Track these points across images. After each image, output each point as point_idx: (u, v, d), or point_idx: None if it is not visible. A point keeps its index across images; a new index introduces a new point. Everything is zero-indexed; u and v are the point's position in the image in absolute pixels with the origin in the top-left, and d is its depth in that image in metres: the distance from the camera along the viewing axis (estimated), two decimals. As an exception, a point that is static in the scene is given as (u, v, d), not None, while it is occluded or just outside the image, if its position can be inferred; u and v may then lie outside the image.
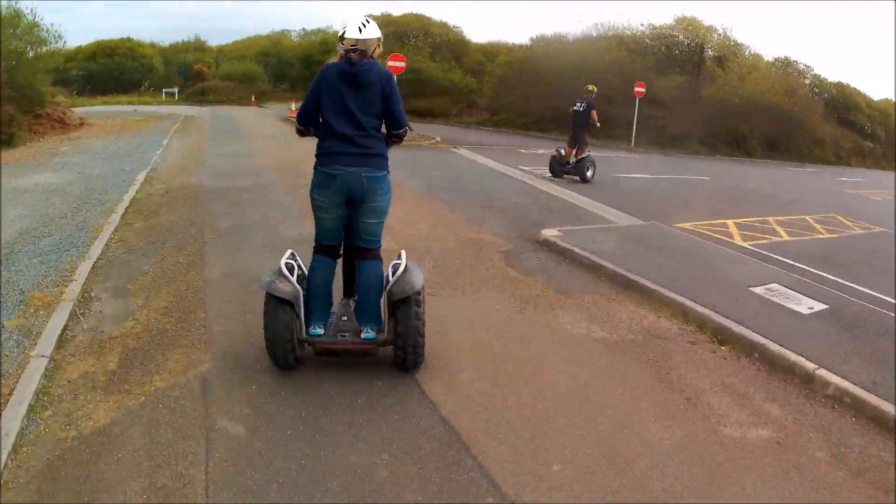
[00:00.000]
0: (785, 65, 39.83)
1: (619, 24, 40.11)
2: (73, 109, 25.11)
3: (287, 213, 9.50)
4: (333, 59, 4.18)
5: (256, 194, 11.03)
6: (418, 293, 4.02)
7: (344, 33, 4.09)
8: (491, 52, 44.32)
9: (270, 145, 19.49)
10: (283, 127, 26.79)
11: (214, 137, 21.89)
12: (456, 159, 18.76)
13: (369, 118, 4.06)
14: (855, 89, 45.48)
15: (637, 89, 29.51)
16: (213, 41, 78.32)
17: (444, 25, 48.37)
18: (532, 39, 39.13)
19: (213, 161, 15.15)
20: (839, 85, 45.21)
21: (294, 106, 32.39)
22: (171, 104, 50.41)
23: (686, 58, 35.60)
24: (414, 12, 48.40)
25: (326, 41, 55.03)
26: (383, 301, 4.17)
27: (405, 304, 4.01)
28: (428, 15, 48.81)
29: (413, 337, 4.06)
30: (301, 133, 4.29)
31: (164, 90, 58.90)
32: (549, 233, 8.79)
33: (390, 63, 22.27)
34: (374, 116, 4.08)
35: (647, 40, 36.78)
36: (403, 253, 4.32)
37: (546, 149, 23.77)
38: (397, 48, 45.27)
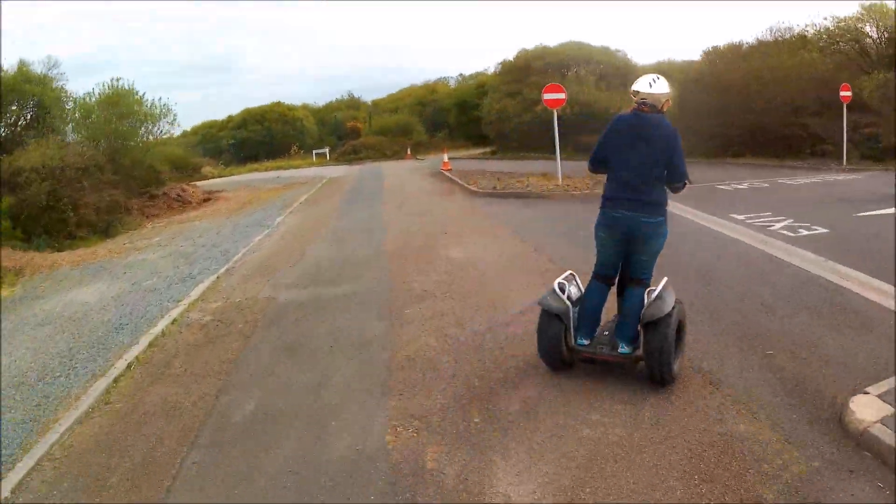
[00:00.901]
0: None
1: (795, 23, 33.25)
2: (197, 185, 23.14)
3: (368, 378, 5.29)
4: (625, 111, 4.64)
5: (347, 316, 7.04)
6: (669, 316, 4.34)
7: (636, 86, 4.56)
8: (663, 72, 38.67)
9: (406, 211, 15.75)
10: (432, 184, 23.36)
11: (347, 204, 18.84)
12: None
13: (652, 168, 4.43)
14: None
15: (843, 93, 22.74)
16: (368, 97, 78.32)
17: (606, 51, 43.50)
18: (705, 52, 32.90)
19: (318, 248, 11.46)
20: None
21: (447, 157, 29.61)
22: (322, 165, 49.09)
23: (883, 51, 27.89)
24: (573, 40, 44.08)
25: (483, 83, 51.58)
26: (638, 323, 4.56)
27: (656, 325, 4.34)
28: (587, 42, 44.30)
29: (662, 354, 4.34)
30: (592, 172, 4.88)
31: (314, 151, 57.45)
32: (868, 412, 3.83)
33: (546, 96, 18.00)
34: (657, 166, 4.44)
35: (835, 38, 29.30)
36: (664, 280, 4.60)
37: (750, 181, 18.32)
38: (558, 79, 40.99)
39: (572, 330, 4.69)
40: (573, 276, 4.92)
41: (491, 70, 51.67)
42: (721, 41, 51.47)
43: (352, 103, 75.86)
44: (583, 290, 4.87)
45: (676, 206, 13.63)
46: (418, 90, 72.28)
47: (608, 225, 4.59)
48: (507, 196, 17.46)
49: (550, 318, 4.66)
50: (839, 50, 28.73)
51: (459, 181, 21.98)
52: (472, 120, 48.92)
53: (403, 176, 28.67)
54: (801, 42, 29.25)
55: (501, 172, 24.40)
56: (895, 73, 23.79)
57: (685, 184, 4.56)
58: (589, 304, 4.73)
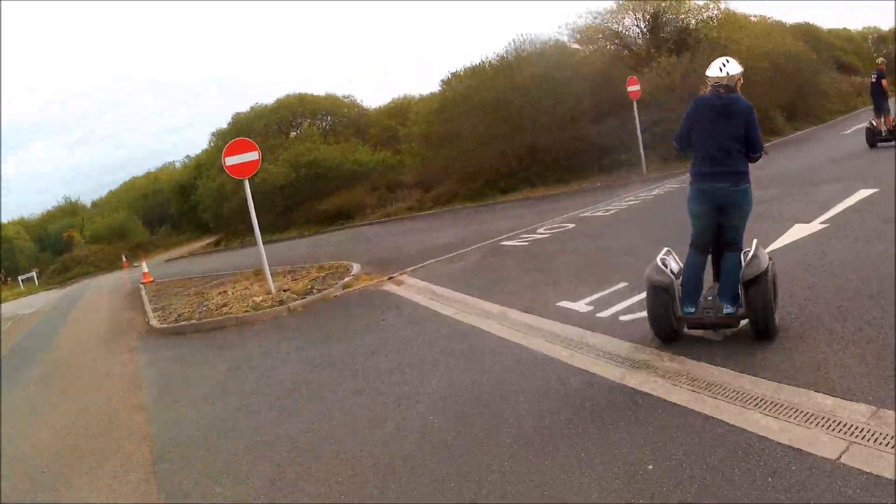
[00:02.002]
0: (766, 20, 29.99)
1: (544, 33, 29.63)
2: None
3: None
4: (703, 92, 4.93)
5: None
6: (766, 273, 4.58)
7: (709, 71, 4.87)
8: (399, 111, 33.49)
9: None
10: (113, 314, 15.74)
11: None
12: (407, 330, 7.34)
13: (733, 142, 4.76)
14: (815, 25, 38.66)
15: (631, 89, 18.70)
16: (89, 198, 66.71)
17: (333, 100, 37.60)
18: (444, 81, 26.82)
19: None
20: (807, 25, 37.04)
21: (145, 267, 22.46)
22: (33, 292, 39.82)
23: (648, 42, 25.14)
24: (292, 93, 37.55)
25: (200, 164, 42.66)
26: (739, 283, 4.76)
27: (756, 283, 4.58)
28: (310, 93, 38.01)
29: (765, 308, 4.58)
30: (677, 150, 5.22)
31: (20, 278, 47.02)
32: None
33: (230, 160, 10.78)
34: (737, 140, 4.76)
35: (595, 36, 26.06)
36: (755, 241, 4.84)
37: (549, 220, 12.81)
38: (281, 139, 34.26)
39: (678, 301, 4.92)
40: (670, 251, 5.18)
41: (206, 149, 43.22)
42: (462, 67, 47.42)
43: (69, 208, 63.90)
44: (680, 263, 5.15)
45: (476, 307, 7.33)
46: (139, 181, 62.44)
47: (701, 197, 4.88)
48: (195, 332, 10.22)
49: (658, 292, 4.89)
50: (602, 49, 25.24)
51: (148, 305, 14.51)
52: (193, 206, 40.52)
53: (99, 303, 20.61)
54: (558, 48, 25.30)
55: (208, 277, 17.07)
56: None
57: (761, 155, 4.90)
58: (690, 274, 5.01)
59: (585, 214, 13.48)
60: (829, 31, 40.95)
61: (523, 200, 19.60)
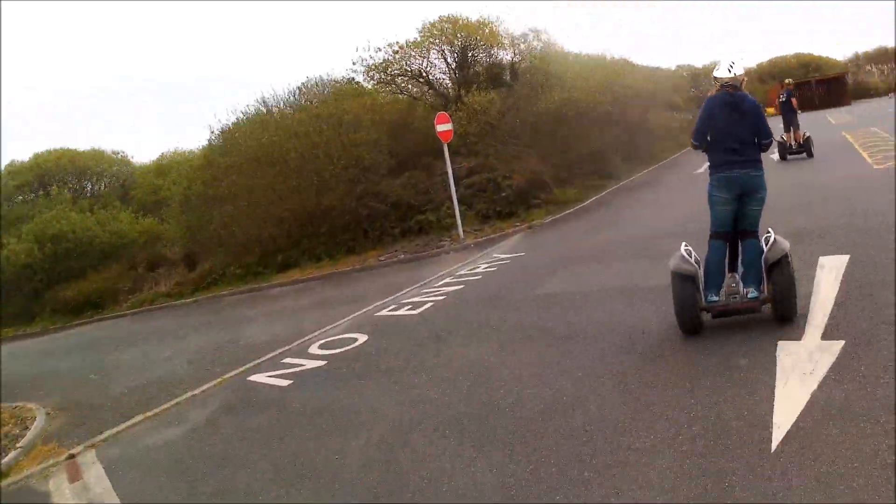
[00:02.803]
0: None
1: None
2: None
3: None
4: (712, 92, 5.35)
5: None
6: (787, 256, 4.84)
7: (717, 73, 5.26)
8: (166, 168, 27.38)
9: None
10: None
11: None
12: None
13: (747, 134, 5.15)
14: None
15: (440, 129, 14.27)
16: None
17: (97, 154, 30.65)
18: (213, 130, 20.33)
19: None
20: (625, 61, 35.95)
21: None
22: None
23: (483, 71, 21.26)
24: (53, 148, 30.19)
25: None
26: (762, 267, 5.03)
27: (778, 265, 4.85)
28: (72, 147, 30.83)
29: (789, 289, 4.83)
30: (696, 148, 5.39)
31: None
32: None
33: None
34: (750, 132, 5.16)
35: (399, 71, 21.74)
36: (771, 229, 5.13)
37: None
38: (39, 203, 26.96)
39: (702, 291, 5.10)
40: (687, 244, 5.32)
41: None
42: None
43: None
44: (698, 256, 5.28)
45: None
46: None
47: (727, 185, 5.11)
48: None
49: (684, 280, 5.02)
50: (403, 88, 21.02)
51: None
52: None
53: None
54: (351, 89, 20.63)
55: None
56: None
57: (770, 141, 5.28)
58: (713, 262, 5.18)
59: (383, 314, 8.90)
60: (645, 67, 40.07)
61: (303, 284, 14.49)
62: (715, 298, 5.05)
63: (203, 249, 18.99)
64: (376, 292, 10.46)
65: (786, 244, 4.90)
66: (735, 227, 5.23)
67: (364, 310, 9.36)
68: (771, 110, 54.45)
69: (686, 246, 5.22)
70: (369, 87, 21.86)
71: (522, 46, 21.49)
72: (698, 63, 49.07)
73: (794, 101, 15.52)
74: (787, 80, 17.23)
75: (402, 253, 14.16)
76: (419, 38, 21.21)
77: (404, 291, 10.04)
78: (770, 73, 53.73)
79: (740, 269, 5.25)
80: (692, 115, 29.97)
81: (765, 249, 4.96)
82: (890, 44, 55.34)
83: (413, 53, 21.29)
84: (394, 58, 20.92)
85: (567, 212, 15.06)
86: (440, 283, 10.11)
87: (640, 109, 23.16)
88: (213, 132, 19.97)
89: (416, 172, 16.31)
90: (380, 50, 20.69)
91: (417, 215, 15.20)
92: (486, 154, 16.58)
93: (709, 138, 5.25)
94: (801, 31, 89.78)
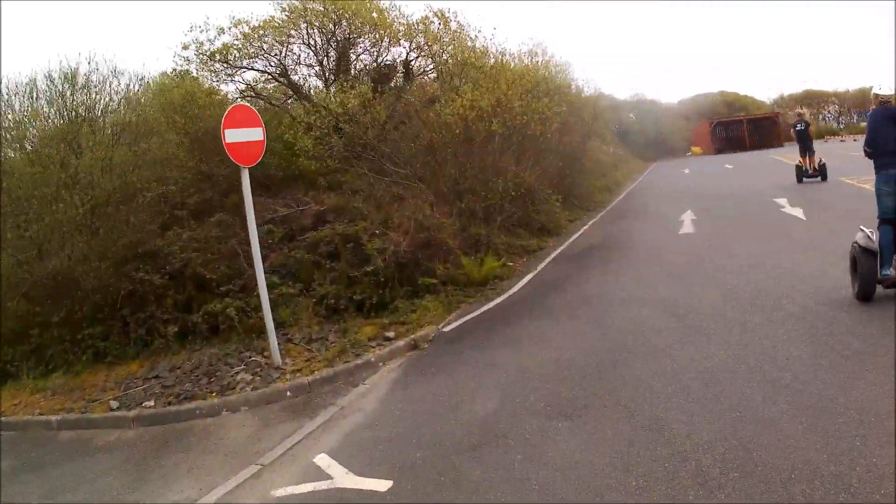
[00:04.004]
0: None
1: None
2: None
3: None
4: (872, 108, 6.52)
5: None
6: None
7: (879, 91, 6.36)
8: None
9: None
10: None
11: None
12: None
13: None
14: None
15: (235, 138, 7.11)
16: None
17: None
18: None
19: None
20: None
21: None
22: None
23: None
24: None
25: None
26: None
27: None
28: None
29: None
30: (869, 156, 6.39)
31: None
32: None
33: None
34: None
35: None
36: None
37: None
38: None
39: (877, 267, 5.94)
40: (864, 228, 6.25)
41: None
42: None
43: None
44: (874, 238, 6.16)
45: None
46: None
47: (889, 181, 6.09)
48: None
49: (867, 254, 5.95)
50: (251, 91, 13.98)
51: None
52: None
53: None
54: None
55: None
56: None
57: None
58: (885, 242, 6.01)
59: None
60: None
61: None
62: (888, 272, 5.93)
63: None
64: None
65: None
66: None
67: None
68: (697, 150, 49.58)
69: (867, 230, 6.16)
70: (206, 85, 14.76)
71: (423, 37, 14.88)
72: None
73: (811, 129, 17.34)
74: (801, 111, 19.94)
75: (151, 395, 7.06)
76: (284, 19, 14.29)
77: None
78: (695, 111, 50.28)
79: None
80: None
81: None
82: (816, 87, 53.46)
83: (272, 39, 14.34)
84: (242, 43, 13.89)
85: (485, 307, 8.54)
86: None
87: (579, 136, 17.13)
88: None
89: (229, 216, 9.37)
90: (223, 32, 13.63)
91: (213, 301, 8.21)
92: (350, 190, 9.90)
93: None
94: (724, 69, 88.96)
